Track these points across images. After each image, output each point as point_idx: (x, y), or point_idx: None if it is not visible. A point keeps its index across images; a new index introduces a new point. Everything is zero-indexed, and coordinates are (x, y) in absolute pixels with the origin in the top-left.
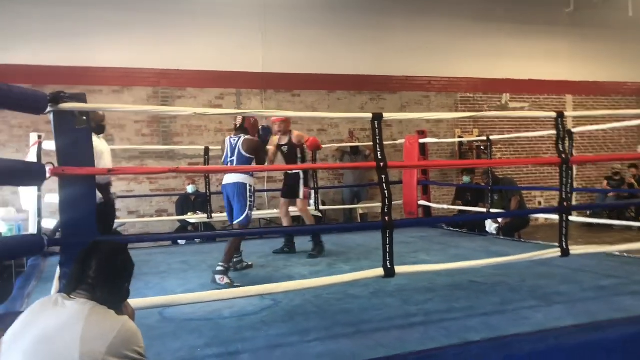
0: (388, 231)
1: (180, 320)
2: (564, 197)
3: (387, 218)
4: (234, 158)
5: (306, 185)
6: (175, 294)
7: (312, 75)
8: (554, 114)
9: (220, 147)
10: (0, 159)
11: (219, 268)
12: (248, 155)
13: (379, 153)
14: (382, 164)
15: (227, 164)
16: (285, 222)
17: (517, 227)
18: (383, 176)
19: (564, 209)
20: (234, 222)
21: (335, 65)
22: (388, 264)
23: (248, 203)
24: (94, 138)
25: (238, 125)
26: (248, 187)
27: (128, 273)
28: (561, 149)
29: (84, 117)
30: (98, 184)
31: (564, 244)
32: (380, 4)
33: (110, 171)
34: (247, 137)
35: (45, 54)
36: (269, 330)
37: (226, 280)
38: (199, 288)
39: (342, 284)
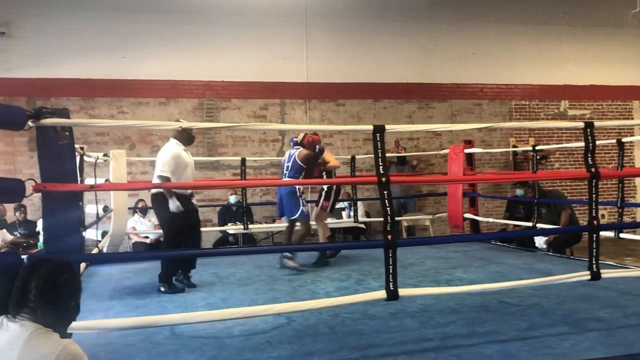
0: (390, 251)
1: (187, 337)
2: (593, 214)
3: (389, 236)
4: (290, 164)
5: (327, 199)
6: (194, 308)
7: (357, 84)
8: (581, 125)
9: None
10: None
11: (288, 254)
12: (301, 164)
13: (380, 167)
14: (383, 179)
15: (283, 171)
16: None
17: (568, 242)
18: (385, 192)
19: (592, 228)
20: (292, 219)
21: (381, 74)
22: (391, 286)
23: (300, 202)
24: (182, 151)
25: (299, 142)
26: (297, 189)
27: (71, 292)
28: (590, 162)
29: (67, 133)
30: (178, 195)
31: (593, 266)
32: (426, 10)
33: (92, 187)
34: (304, 149)
35: (94, 67)
36: (272, 352)
37: (293, 264)
38: (220, 302)
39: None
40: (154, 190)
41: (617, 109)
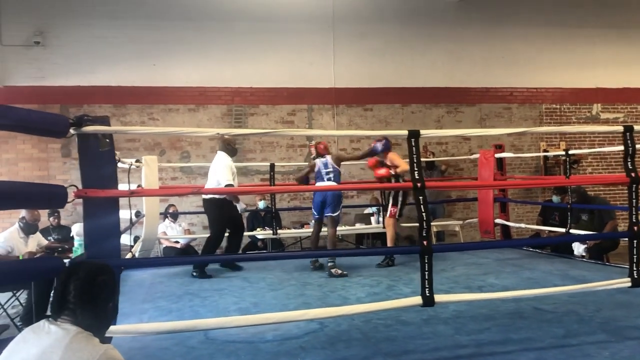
0: (426, 256)
1: (221, 342)
2: (634, 220)
3: (425, 242)
4: (330, 169)
5: (394, 204)
6: (226, 312)
7: (384, 88)
8: (620, 128)
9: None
10: (20, 182)
11: (329, 264)
12: (338, 168)
13: (415, 172)
14: (419, 185)
15: (324, 177)
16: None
17: (605, 248)
18: (420, 197)
19: (633, 234)
20: (333, 215)
21: (409, 78)
22: (427, 292)
23: (340, 204)
24: (229, 158)
25: (316, 153)
26: (342, 194)
27: (109, 293)
28: (630, 167)
29: (107, 140)
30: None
31: (635, 272)
32: (453, 14)
33: (132, 193)
34: (333, 155)
35: (125, 75)
36: (306, 357)
37: (339, 272)
38: (251, 307)
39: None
40: (206, 196)
41: None
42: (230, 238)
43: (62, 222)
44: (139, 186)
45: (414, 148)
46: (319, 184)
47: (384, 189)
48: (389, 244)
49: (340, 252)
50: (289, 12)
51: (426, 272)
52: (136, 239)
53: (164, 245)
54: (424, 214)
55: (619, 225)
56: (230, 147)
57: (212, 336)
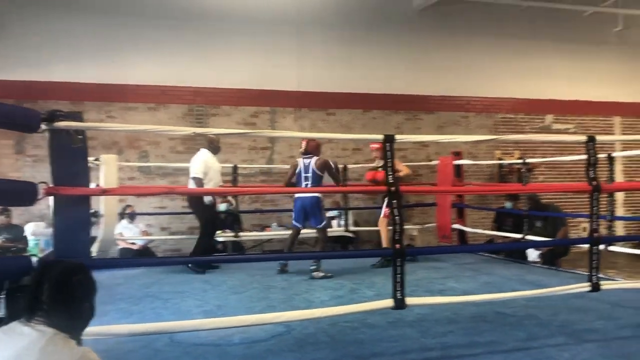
0: (399, 259)
1: (188, 345)
2: (594, 227)
3: (397, 245)
4: (309, 174)
5: (388, 205)
6: (190, 315)
7: (347, 94)
8: (584, 139)
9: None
10: None
11: (312, 267)
12: (320, 173)
13: (390, 176)
14: (393, 189)
15: (302, 181)
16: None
17: (559, 254)
18: (394, 201)
19: (593, 240)
20: (318, 227)
21: (371, 84)
22: (398, 295)
23: (322, 211)
24: (210, 157)
25: (304, 150)
26: (321, 199)
27: (85, 293)
28: (592, 176)
29: (80, 136)
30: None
31: (593, 278)
32: (416, 22)
33: (104, 191)
34: (317, 157)
35: (84, 71)
36: None
37: (322, 274)
38: (215, 310)
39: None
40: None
41: (600, 124)
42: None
43: (14, 221)
44: (97, 185)
45: (388, 153)
46: (299, 187)
47: (355, 192)
48: (384, 244)
49: (308, 255)
50: (254, 13)
51: (398, 275)
52: (93, 239)
53: (120, 247)
54: (397, 217)
55: (569, 231)
56: (214, 145)
57: (178, 339)
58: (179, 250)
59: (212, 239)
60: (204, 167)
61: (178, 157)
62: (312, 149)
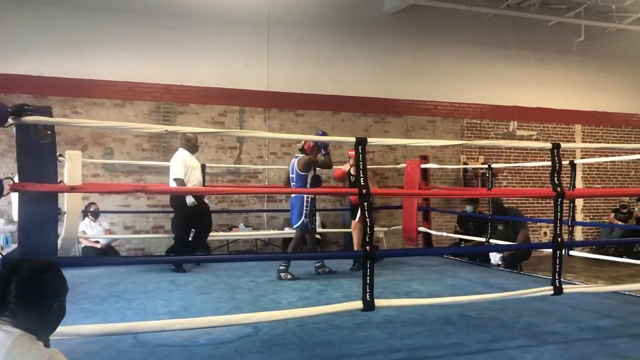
0: (369, 261)
1: (154, 346)
2: (558, 232)
3: (367, 247)
4: (294, 175)
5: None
6: (155, 315)
7: (317, 95)
8: (549, 145)
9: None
10: None
11: (281, 267)
12: (301, 173)
13: (361, 179)
14: (364, 191)
15: (292, 183)
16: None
17: (520, 258)
18: (365, 203)
19: (557, 245)
20: (293, 227)
21: (340, 86)
22: (368, 297)
23: (304, 212)
24: (188, 157)
25: (300, 148)
26: (304, 199)
27: (54, 293)
28: (556, 182)
29: (49, 132)
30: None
31: (557, 281)
32: (387, 26)
33: (72, 188)
34: (302, 156)
35: (48, 65)
36: None
37: (289, 277)
38: (181, 310)
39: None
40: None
41: (561, 132)
42: (194, 237)
43: None
44: (60, 182)
45: (360, 155)
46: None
47: (326, 194)
48: (355, 247)
49: (277, 256)
50: (224, 11)
51: (368, 277)
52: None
53: (83, 245)
54: (367, 219)
55: (530, 235)
56: (191, 144)
57: (143, 340)
58: (143, 249)
59: (194, 239)
60: (184, 167)
61: (143, 155)
62: (307, 148)
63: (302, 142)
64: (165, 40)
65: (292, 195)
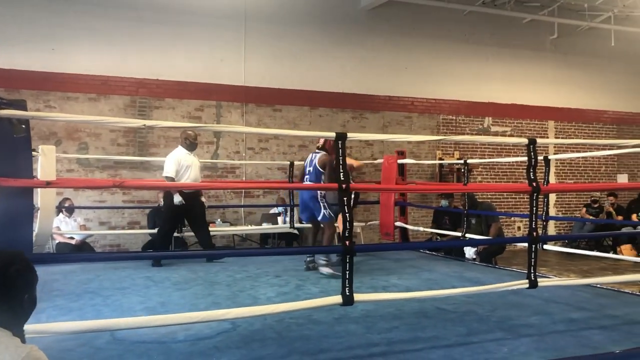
0: (348, 256)
1: (131, 342)
2: (533, 226)
3: (347, 242)
4: (311, 168)
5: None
6: (132, 312)
7: (294, 90)
8: (525, 141)
9: None
10: None
11: (321, 261)
12: (320, 169)
13: (341, 174)
14: (344, 186)
15: (305, 176)
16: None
17: (494, 252)
18: (345, 198)
19: (532, 239)
20: (321, 221)
21: (318, 82)
22: (347, 291)
23: (322, 204)
24: (184, 155)
25: (320, 146)
26: (319, 193)
27: (24, 284)
28: (532, 177)
29: (23, 126)
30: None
31: (532, 275)
32: (365, 22)
33: (48, 183)
34: (323, 153)
35: (19, 57)
36: (221, 358)
37: (330, 271)
38: (158, 307)
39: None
40: None
41: (535, 128)
42: (196, 235)
43: None
44: (34, 177)
45: (340, 150)
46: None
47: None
48: (324, 242)
49: (257, 251)
50: (200, 4)
51: (347, 272)
52: None
53: (57, 241)
54: (347, 214)
55: (502, 228)
56: (189, 141)
57: (120, 336)
58: (118, 245)
59: (165, 240)
60: (176, 165)
61: (119, 150)
62: (329, 146)
63: (324, 140)
64: (140, 34)
65: (304, 192)
